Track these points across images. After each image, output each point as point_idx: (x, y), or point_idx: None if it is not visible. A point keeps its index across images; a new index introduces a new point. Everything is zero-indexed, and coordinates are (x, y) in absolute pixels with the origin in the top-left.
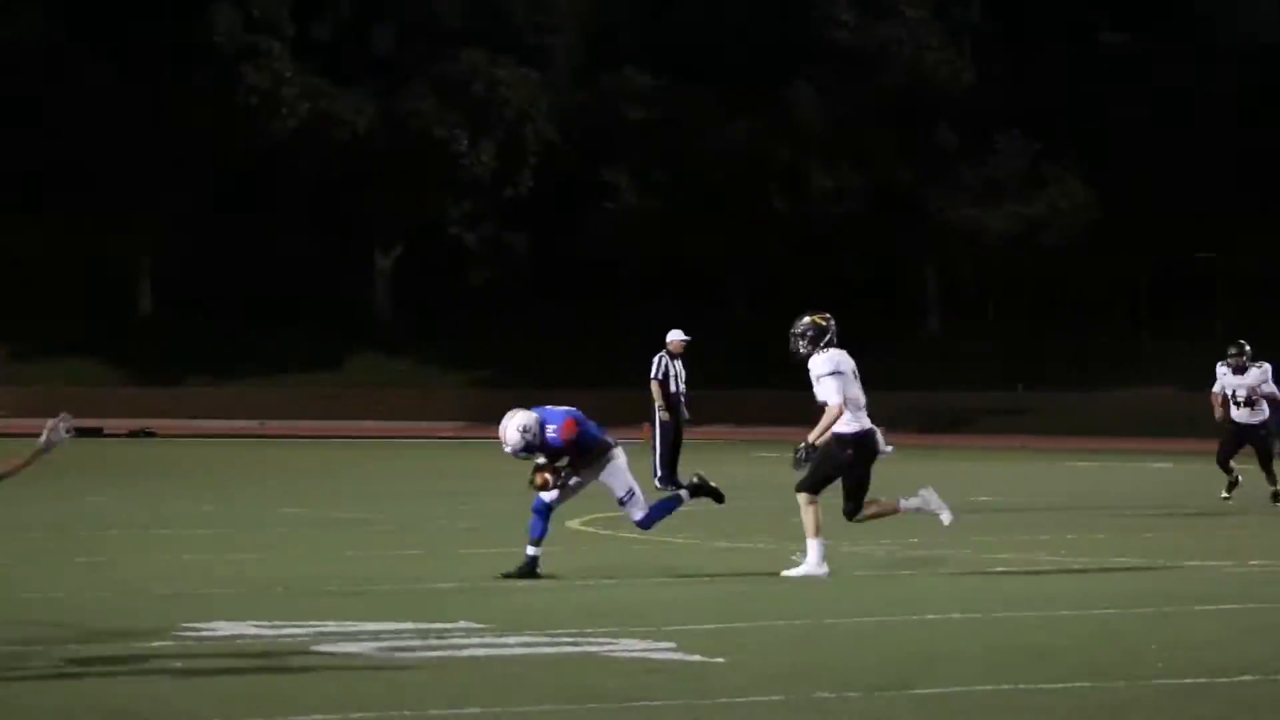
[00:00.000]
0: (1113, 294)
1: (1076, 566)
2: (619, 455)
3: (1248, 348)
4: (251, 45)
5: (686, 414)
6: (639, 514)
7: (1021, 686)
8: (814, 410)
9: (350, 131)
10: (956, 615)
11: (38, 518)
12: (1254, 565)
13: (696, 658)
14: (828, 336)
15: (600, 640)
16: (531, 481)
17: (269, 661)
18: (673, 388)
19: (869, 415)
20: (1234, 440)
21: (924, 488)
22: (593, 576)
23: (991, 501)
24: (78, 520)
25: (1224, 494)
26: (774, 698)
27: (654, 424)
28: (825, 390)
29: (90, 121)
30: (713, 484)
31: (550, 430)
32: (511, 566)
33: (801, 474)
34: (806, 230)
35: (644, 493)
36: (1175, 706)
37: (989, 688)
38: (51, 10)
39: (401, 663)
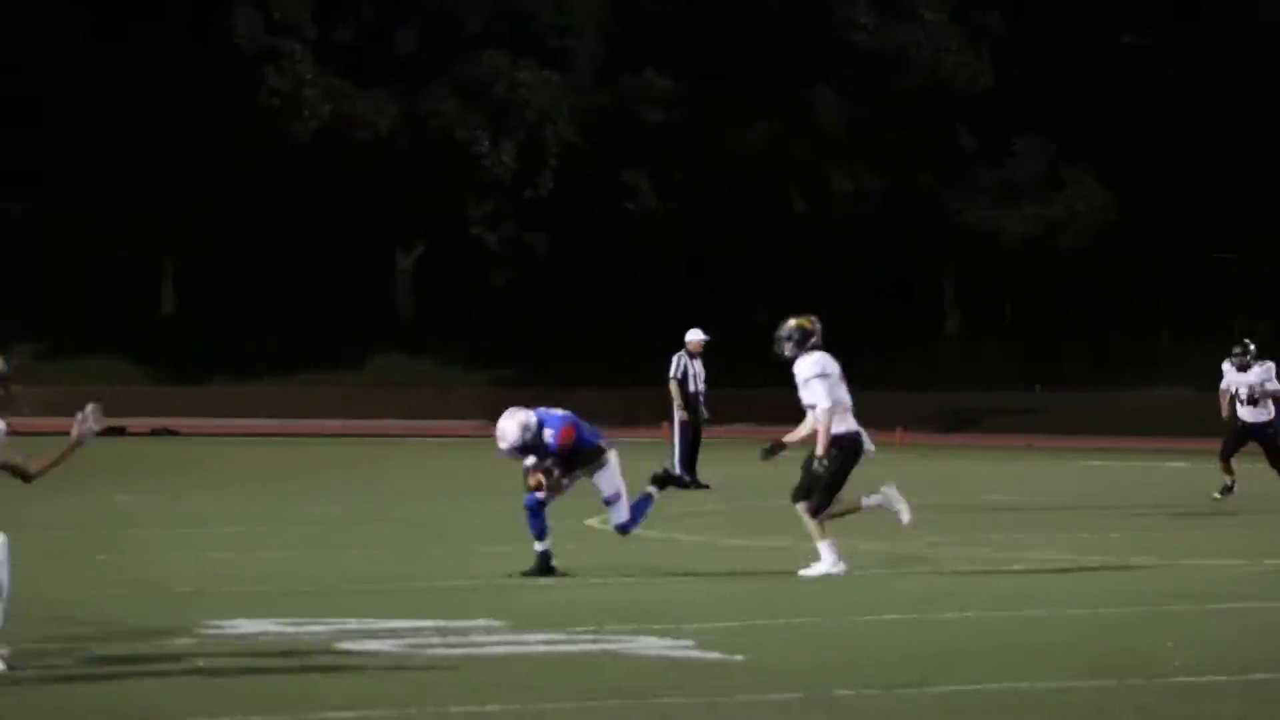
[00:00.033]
0: (1130, 295)
1: (1093, 565)
2: (613, 458)
3: (1252, 346)
4: (273, 47)
5: (705, 413)
6: (621, 518)
7: (1039, 685)
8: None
9: (372, 133)
10: (974, 613)
11: (60, 516)
12: (1268, 564)
13: (715, 655)
14: (813, 339)
15: (620, 638)
16: (526, 484)
17: (290, 659)
18: (691, 387)
19: (855, 416)
20: (1237, 438)
21: (886, 485)
22: (611, 574)
23: (1007, 501)
24: (100, 519)
25: (1216, 494)
26: (793, 695)
27: (673, 423)
28: (814, 393)
29: (114, 122)
30: (675, 473)
31: (548, 435)
32: (530, 565)
33: (770, 465)
34: (826, 232)
35: (629, 498)
36: (1192, 704)
37: (1006, 685)
38: (74, 12)
39: (422, 660)
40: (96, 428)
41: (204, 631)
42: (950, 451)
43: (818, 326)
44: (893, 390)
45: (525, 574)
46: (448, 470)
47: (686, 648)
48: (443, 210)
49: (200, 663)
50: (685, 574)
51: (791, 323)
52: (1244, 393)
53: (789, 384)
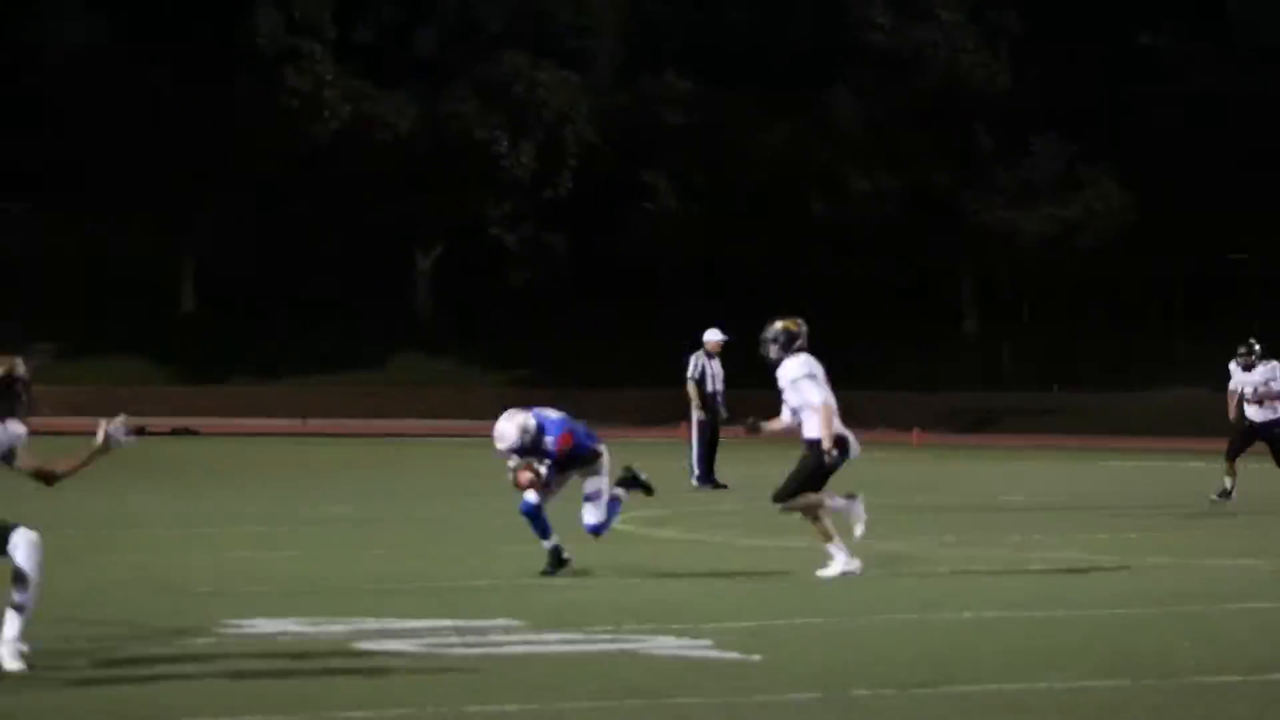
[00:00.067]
0: (1147, 295)
1: (1109, 565)
2: (605, 462)
3: (1257, 346)
4: (293, 48)
5: (724, 413)
6: (596, 519)
7: (1055, 685)
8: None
9: (392, 134)
10: (990, 613)
11: (79, 516)
12: None
13: (733, 655)
14: (799, 341)
15: (637, 638)
16: (515, 482)
17: (309, 659)
18: (709, 388)
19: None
20: (1244, 438)
21: (854, 497)
22: (628, 574)
23: (1024, 501)
24: (119, 518)
25: (1213, 496)
26: (811, 695)
27: (690, 423)
28: (805, 393)
29: (135, 123)
30: (642, 477)
31: (548, 440)
32: (546, 564)
33: (753, 431)
34: (844, 233)
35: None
36: (1208, 705)
37: (1023, 685)
38: (96, 13)
39: (440, 660)
40: (127, 438)
41: (223, 631)
42: (967, 452)
43: (804, 329)
44: (910, 390)
45: (544, 573)
46: (466, 470)
47: (704, 648)
48: (462, 211)
49: (219, 662)
50: (703, 574)
51: (778, 324)
52: (1249, 392)
53: None
